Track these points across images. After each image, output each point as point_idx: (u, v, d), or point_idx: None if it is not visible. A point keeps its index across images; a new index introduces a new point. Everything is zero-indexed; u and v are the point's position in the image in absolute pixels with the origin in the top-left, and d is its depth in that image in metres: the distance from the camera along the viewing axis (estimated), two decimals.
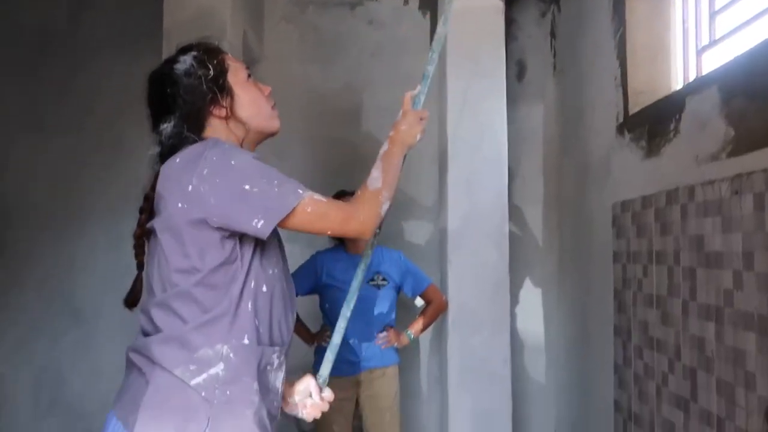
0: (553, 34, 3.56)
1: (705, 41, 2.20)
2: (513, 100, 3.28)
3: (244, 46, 2.94)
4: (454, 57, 2.86)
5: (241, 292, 1.18)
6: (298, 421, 3.29)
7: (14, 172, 3.41)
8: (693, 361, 1.96)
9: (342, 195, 2.67)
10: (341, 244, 2.67)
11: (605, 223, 2.73)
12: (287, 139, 2.87)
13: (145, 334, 1.22)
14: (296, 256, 2.78)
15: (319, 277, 2.60)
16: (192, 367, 1.14)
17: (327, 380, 1.40)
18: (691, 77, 2.30)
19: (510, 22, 3.37)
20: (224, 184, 1.14)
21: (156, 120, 1.27)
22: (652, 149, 2.30)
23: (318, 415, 1.37)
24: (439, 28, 1.58)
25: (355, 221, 1.22)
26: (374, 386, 2.59)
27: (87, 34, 3.41)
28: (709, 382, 1.86)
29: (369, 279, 2.60)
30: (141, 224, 1.26)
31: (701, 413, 1.90)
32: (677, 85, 2.41)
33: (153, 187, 1.24)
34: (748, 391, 1.65)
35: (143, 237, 1.27)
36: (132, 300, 1.29)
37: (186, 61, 1.27)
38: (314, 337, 2.65)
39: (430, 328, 2.98)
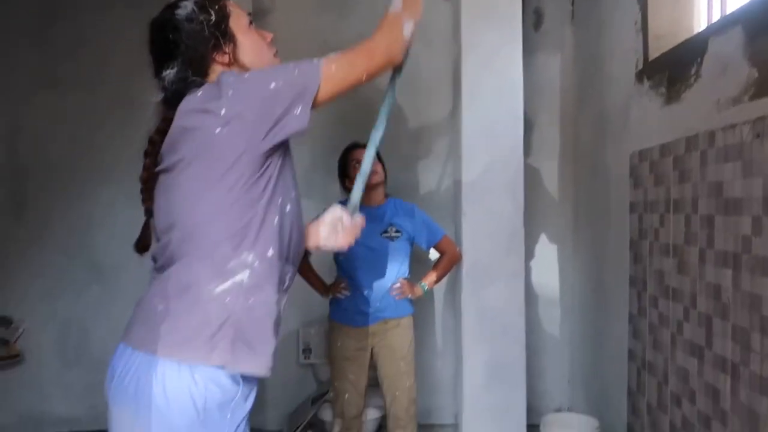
0: None
1: None
2: (530, 49, 3.21)
3: None
4: (469, 6, 2.78)
5: (268, 207, 1.20)
6: (314, 370, 3.38)
7: (31, 131, 3.42)
8: (708, 309, 1.95)
9: (354, 147, 2.65)
10: None
11: (622, 174, 2.69)
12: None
13: (163, 267, 1.23)
14: (311, 210, 2.77)
15: None
16: (219, 277, 1.17)
17: (357, 207, 1.37)
18: (715, 18, 2.22)
19: None
20: (253, 96, 1.15)
21: (159, 66, 1.27)
22: (671, 96, 2.24)
23: (351, 242, 1.34)
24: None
25: (380, 52, 1.22)
26: (389, 336, 2.62)
27: None
28: (724, 328, 1.85)
29: (382, 231, 2.60)
30: (147, 168, 1.27)
31: (716, 360, 1.90)
32: (700, 26, 2.33)
33: (159, 131, 1.25)
34: (763, 336, 1.64)
35: (150, 181, 1.27)
36: (142, 245, 1.31)
37: (187, 7, 1.26)
38: (329, 289, 2.67)
39: (444, 280, 3.00)
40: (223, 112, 1.15)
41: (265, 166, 1.19)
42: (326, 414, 2.85)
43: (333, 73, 1.19)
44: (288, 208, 1.26)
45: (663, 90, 2.31)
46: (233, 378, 1.19)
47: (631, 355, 2.61)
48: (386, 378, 2.65)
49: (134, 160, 1.41)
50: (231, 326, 1.17)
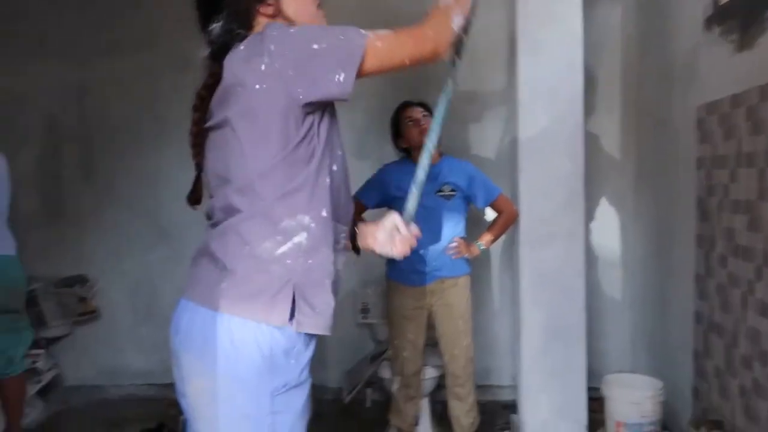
0: None
1: None
2: None
3: None
4: None
5: (318, 167, 1.22)
6: (372, 330, 3.44)
7: (93, 95, 3.55)
8: None
9: (407, 106, 2.63)
10: (408, 156, 2.66)
11: (688, 128, 2.57)
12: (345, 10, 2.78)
13: (219, 223, 1.26)
14: (365, 171, 2.79)
15: (388, 189, 2.61)
16: (278, 238, 1.19)
17: (413, 216, 1.38)
18: None
19: None
20: (294, 52, 1.15)
21: (205, 20, 1.28)
22: (744, 42, 2.10)
23: (407, 251, 1.34)
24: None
25: (426, 40, 1.20)
26: (446, 295, 2.63)
27: None
28: None
29: (437, 190, 2.58)
30: (196, 123, 1.29)
31: None
32: None
33: (206, 86, 1.26)
34: None
35: (200, 135, 1.29)
36: (194, 199, 1.34)
37: None
38: None
39: (500, 240, 2.97)
40: (263, 67, 1.15)
41: (308, 126, 1.19)
42: (385, 372, 2.91)
43: (378, 49, 1.17)
44: (335, 168, 1.27)
45: (734, 37, 2.17)
46: None
47: (698, 317, 2.53)
48: (444, 336, 2.67)
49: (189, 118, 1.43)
50: (292, 287, 1.20)
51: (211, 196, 1.29)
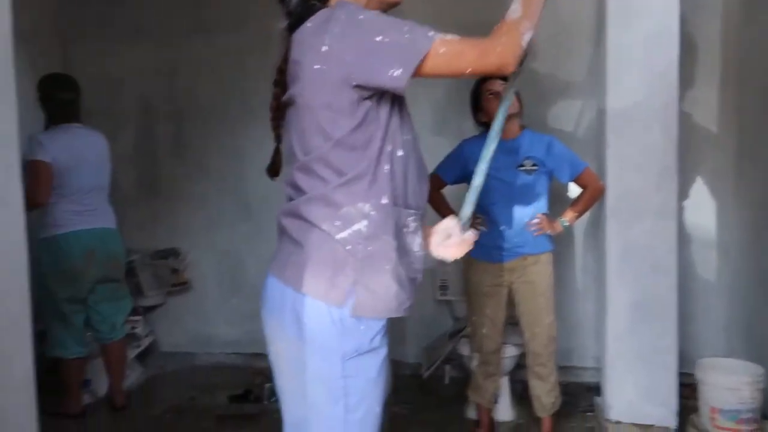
0: None
1: None
2: None
3: None
4: None
5: (379, 154, 1.22)
6: (450, 306, 3.43)
7: (185, 73, 3.71)
8: None
9: (487, 78, 2.56)
10: (488, 130, 2.60)
11: None
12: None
13: (291, 199, 1.31)
14: (444, 147, 2.77)
15: (467, 164, 2.57)
16: (337, 223, 1.22)
17: (469, 221, 1.39)
18: None
19: None
20: (357, 39, 1.16)
21: None
22: None
23: (460, 255, 1.37)
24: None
25: (492, 54, 1.16)
26: (528, 273, 2.58)
27: None
28: None
29: (518, 164, 2.52)
30: (276, 96, 1.32)
31: None
32: None
33: (285, 59, 1.28)
34: None
35: (279, 109, 1.32)
36: (273, 170, 1.38)
37: None
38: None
39: (585, 217, 2.87)
40: (323, 48, 1.16)
41: (365, 111, 1.20)
42: (464, 348, 2.90)
43: (441, 54, 1.15)
44: (399, 153, 1.26)
45: None
46: None
47: None
48: (525, 314, 2.62)
49: None
50: (351, 271, 1.22)
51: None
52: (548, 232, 2.56)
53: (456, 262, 3.49)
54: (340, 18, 1.17)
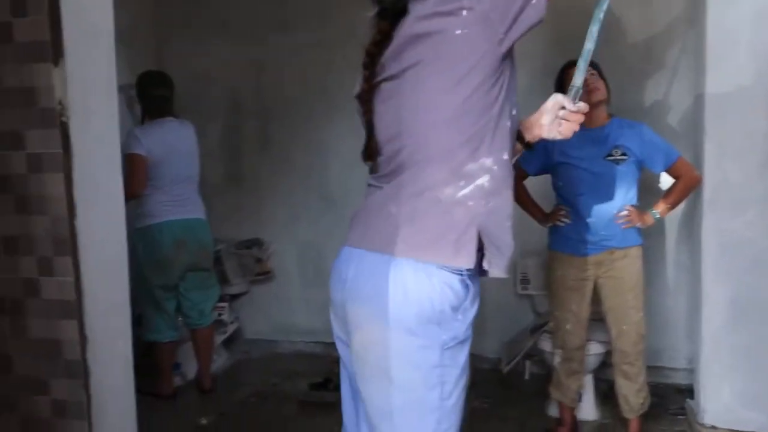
0: None
1: None
2: None
3: None
4: None
5: (501, 111, 1.22)
6: (532, 301, 3.35)
7: (270, 70, 3.80)
8: None
9: (572, 65, 2.45)
10: None
11: None
12: None
13: (388, 180, 1.28)
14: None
15: (551, 155, 2.50)
16: (460, 183, 1.21)
17: (580, 91, 1.31)
18: None
19: None
20: None
21: None
22: None
23: (575, 128, 1.31)
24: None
25: None
26: (615, 267, 2.47)
27: None
28: None
29: (606, 154, 2.41)
30: (366, 80, 1.30)
31: None
32: None
33: (375, 43, 1.27)
34: None
35: (370, 92, 1.31)
36: (368, 154, 1.35)
37: None
38: (548, 217, 2.59)
39: (678, 209, 2.71)
40: (464, 13, 1.16)
41: (500, 70, 1.20)
42: (545, 344, 2.82)
43: None
44: (514, 112, 1.26)
45: None
46: (463, 283, 1.24)
47: None
48: (612, 311, 2.51)
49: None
50: (476, 228, 1.21)
51: (379, 152, 1.31)
52: (638, 224, 2.44)
53: (537, 256, 3.41)
54: None
